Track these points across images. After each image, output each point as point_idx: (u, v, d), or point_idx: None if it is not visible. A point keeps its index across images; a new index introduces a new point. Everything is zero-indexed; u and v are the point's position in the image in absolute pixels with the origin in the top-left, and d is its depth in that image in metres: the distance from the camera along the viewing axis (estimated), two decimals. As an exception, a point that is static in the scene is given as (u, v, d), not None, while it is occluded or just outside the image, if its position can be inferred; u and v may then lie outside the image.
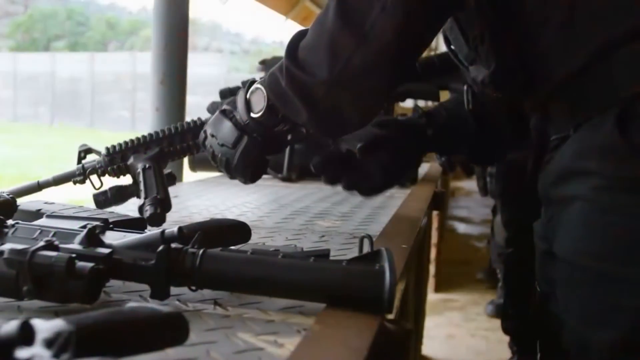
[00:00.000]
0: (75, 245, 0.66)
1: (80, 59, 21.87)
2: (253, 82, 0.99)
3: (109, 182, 1.16)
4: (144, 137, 1.13)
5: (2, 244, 0.68)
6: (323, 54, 0.83)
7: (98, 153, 1.16)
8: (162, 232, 0.68)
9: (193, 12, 2.03)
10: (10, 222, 0.86)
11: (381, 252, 0.65)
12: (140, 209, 1.06)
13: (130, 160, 1.12)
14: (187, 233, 0.71)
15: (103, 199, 1.13)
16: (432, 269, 4.07)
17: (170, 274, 0.64)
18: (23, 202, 0.99)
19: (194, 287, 0.66)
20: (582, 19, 0.80)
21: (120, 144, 1.13)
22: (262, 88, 0.94)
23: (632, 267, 0.75)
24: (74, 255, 0.60)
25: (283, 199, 1.53)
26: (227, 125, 0.99)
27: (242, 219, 1.25)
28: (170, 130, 1.13)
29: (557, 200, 0.87)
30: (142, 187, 1.08)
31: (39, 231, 0.73)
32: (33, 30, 39.68)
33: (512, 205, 2.60)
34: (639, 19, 0.77)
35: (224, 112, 1.02)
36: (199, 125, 1.12)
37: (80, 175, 1.15)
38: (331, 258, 0.74)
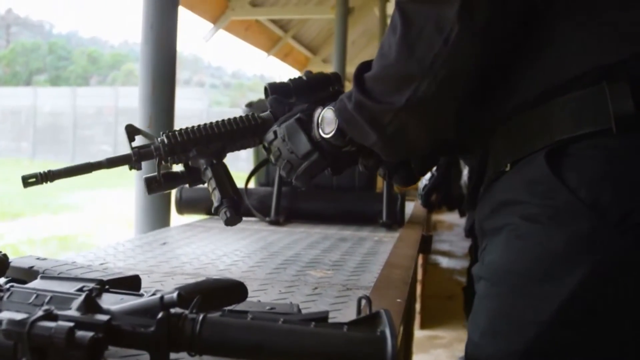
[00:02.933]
0: (73, 312, 0.65)
1: (62, 94, 21.81)
2: (332, 98, 1.04)
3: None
4: (205, 129, 1.09)
5: (-2, 309, 0.68)
6: (390, 83, 0.88)
7: (149, 136, 1.11)
8: (162, 297, 0.67)
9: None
10: (3, 280, 0.86)
11: (380, 315, 0.65)
12: (217, 210, 1.05)
13: (193, 153, 1.08)
14: (185, 295, 0.70)
15: (156, 185, 1.11)
16: (417, 305, 4.06)
17: (170, 341, 0.64)
18: (15, 258, 0.98)
19: (193, 353, 0.65)
20: (543, 60, 0.85)
21: (181, 133, 1.08)
22: (334, 111, 1.00)
23: (543, 285, 0.80)
24: (73, 324, 0.60)
25: (273, 246, 1.53)
26: (302, 137, 1.04)
27: (233, 269, 1.25)
28: (232, 125, 1.10)
29: (490, 230, 0.92)
30: (213, 185, 1.06)
31: (34, 295, 0.73)
32: (15, 63, 39.64)
33: None
34: (581, 68, 0.81)
35: (300, 121, 1.05)
36: (259, 123, 1.10)
37: (136, 162, 1.09)
38: (329, 318, 0.74)
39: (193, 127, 1.09)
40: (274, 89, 1.12)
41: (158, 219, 2.05)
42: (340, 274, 1.20)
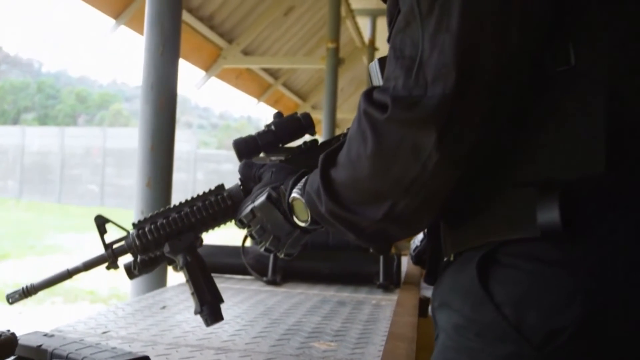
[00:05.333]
0: (92, 407, 0.66)
1: (50, 133, 21.81)
2: (296, 179, 1.01)
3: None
4: (175, 222, 1.10)
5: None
6: (364, 198, 0.84)
7: (120, 227, 1.12)
8: (180, 392, 0.68)
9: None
10: (12, 361, 0.86)
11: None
12: (198, 314, 1.09)
13: (167, 249, 1.09)
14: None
15: (135, 273, 1.14)
16: None
17: None
18: (22, 336, 0.98)
19: None
20: (497, 161, 0.81)
21: (151, 231, 1.09)
22: (304, 203, 0.96)
23: None
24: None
25: (273, 312, 1.53)
26: (278, 217, 1.02)
27: (237, 340, 1.25)
28: (202, 212, 1.10)
29: (437, 323, 0.91)
30: (192, 289, 1.09)
31: (51, 385, 0.73)
32: (3, 102, 39.68)
33: None
34: (521, 169, 0.78)
35: (270, 199, 1.03)
36: (230, 205, 1.11)
37: (113, 263, 1.12)
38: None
39: (163, 220, 1.10)
40: (241, 148, 1.11)
41: (155, 277, 2.05)
42: (344, 347, 1.21)
